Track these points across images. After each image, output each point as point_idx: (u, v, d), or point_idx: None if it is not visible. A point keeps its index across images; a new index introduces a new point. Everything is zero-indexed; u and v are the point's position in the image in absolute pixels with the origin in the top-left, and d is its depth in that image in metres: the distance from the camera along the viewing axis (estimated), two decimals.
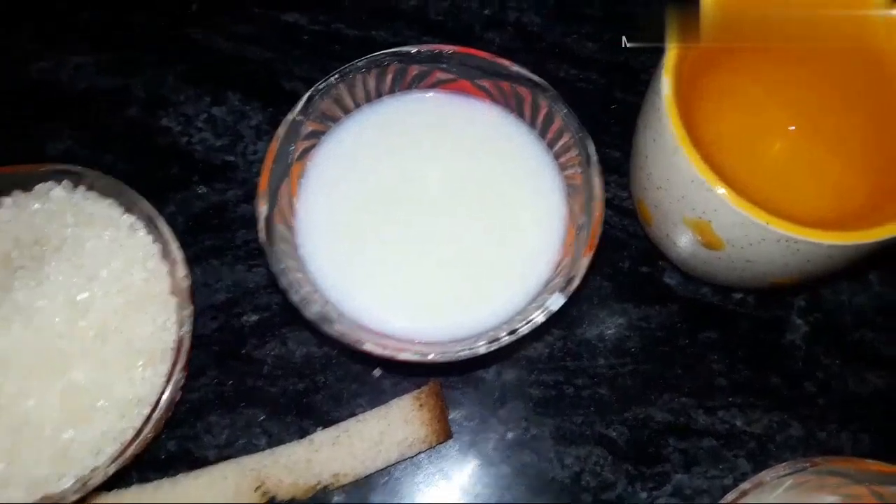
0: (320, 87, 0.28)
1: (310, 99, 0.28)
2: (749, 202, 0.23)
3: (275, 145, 0.27)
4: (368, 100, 0.30)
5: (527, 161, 0.29)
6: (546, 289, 0.26)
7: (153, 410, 0.25)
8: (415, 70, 0.29)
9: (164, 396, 0.26)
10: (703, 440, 0.28)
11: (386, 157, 0.29)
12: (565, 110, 0.27)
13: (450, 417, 0.28)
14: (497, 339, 0.24)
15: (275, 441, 0.28)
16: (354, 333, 0.24)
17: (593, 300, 0.31)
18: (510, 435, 0.29)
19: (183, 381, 0.27)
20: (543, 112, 0.28)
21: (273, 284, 0.25)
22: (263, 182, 0.26)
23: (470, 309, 0.26)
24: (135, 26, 0.37)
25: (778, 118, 0.31)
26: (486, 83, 0.29)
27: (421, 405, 0.27)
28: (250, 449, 0.28)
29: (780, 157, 0.32)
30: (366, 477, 0.27)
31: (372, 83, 0.29)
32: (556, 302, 0.24)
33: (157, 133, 0.34)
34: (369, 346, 0.24)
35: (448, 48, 0.28)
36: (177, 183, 0.33)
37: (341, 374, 0.29)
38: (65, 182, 0.29)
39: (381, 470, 0.27)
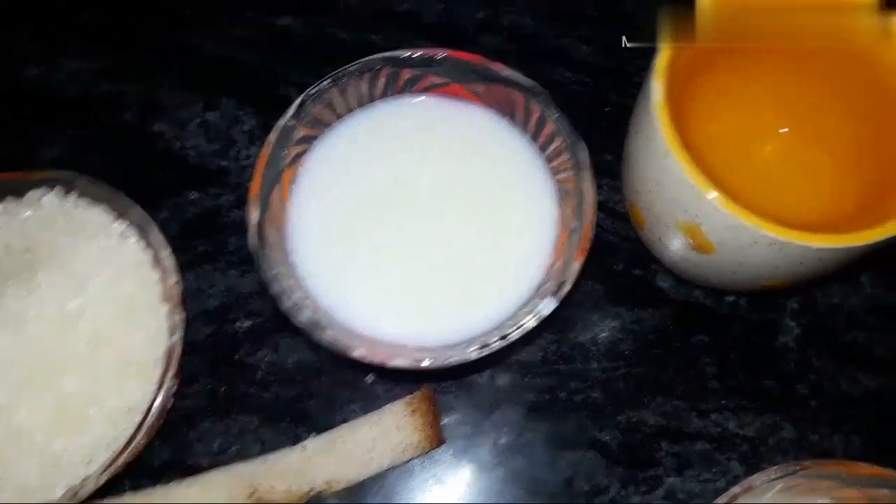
0: (312, 92, 0.28)
1: (301, 104, 0.28)
2: (739, 205, 0.23)
3: (266, 151, 0.27)
4: (361, 104, 0.30)
5: (519, 165, 0.29)
6: (538, 293, 0.26)
7: (145, 418, 0.25)
8: (407, 74, 0.29)
9: (156, 404, 0.26)
10: (696, 443, 0.28)
11: (378, 162, 0.29)
12: (557, 114, 0.27)
13: (443, 423, 0.28)
14: (488, 345, 0.24)
15: (268, 447, 0.28)
16: (346, 339, 0.24)
17: (586, 304, 0.31)
18: (503, 440, 0.29)
19: (175, 388, 0.27)
20: (536, 116, 0.28)
21: (266, 290, 0.25)
22: (255, 188, 0.26)
23: (462, 313, 0.26)
24: (128, 31, 0.37)
25: (771, 120, 0.31)
26: (478, 87, 0.29)
27: (413, 411, 0.27)
28: (244, 455, 0.28)
29: (774, 159, 0.32)
30: (359, 483, 0.27)
31: (364, 88, 0.29)
32: (548, 306, 0.24)
33: (151, 138, 0.34)
34: (359, 353, 0.24)
35: (440, 52, 0.28)
36: (170, 188, 0.33)
37: (334, 380, 0.29)
38: (57, 189, 0.29)
39: (375, 476, 0.27)
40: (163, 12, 0.37)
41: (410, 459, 0.27)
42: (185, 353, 0.28)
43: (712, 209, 0.23)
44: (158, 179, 0.33)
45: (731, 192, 0.23)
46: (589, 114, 0.34)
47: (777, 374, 0.30)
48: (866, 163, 0.28)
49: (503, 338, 0.24)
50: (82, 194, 0.29)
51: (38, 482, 0.25)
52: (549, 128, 0.28)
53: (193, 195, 0.33)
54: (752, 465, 0.28)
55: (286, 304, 0.24)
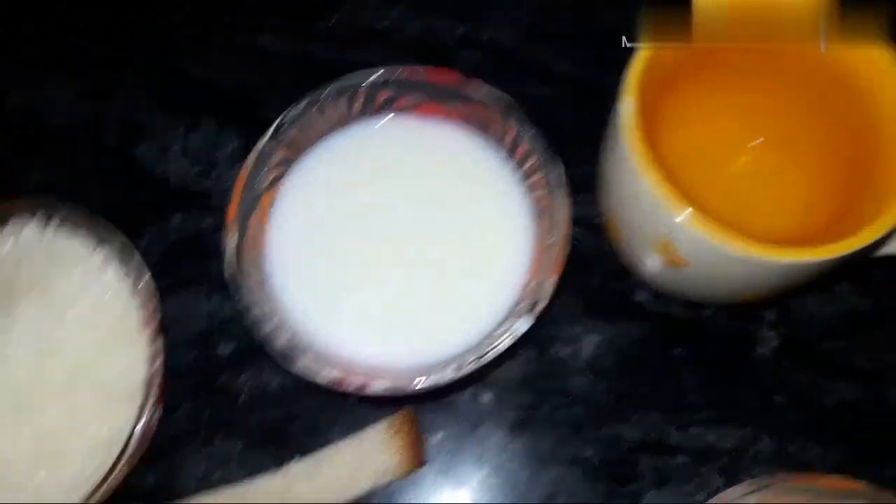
0: (289, 114, 0.28)
1: (279, 126, 0.28)
2: (710, 221, 0.23)
3: (244, 174, 0.27)
4: (339, 125, 0.30)
5: (496, 183, 0.29)
6: (514, 312, 0.26)
7: (125, 448, 0.25)
8: (385, 94, 0.29)
9: (137, 433, 0.26)
10: (676, 456, 0.29)
11: (356, 183, 0.29)
12: (533, 131, 0.27)
13: (425, 443, 0.29)
14: (464, 366, 0.24)
15: (252, 472, 0.28)
16: (322, 365, 0.24)
17: (566, 319, 0.31)
18: (485, 458, 0.29)
19: (158, 415, 0.27)
20: (512, 133, 0.28)
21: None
22: (231, 213, 0.26)
23: (440, 334, 0.26)
24: (110, 54, 0.37)
25: (745, 131, 0.32)
26: (456, 105, 0.29)
27: (395, 432, 0.27)
28: (228, 479, 0.28)
29: (748, 170, 0.32)
30: None
31: (342, 108, 0.29)
32: (523, 325, 0.25)
33: (132, 162, 0.34)
34: (331, 380, 0.24)
35: (417, 71, 0.28)
36: (152, 212, 0.33)
37: (318, 402, 0.29)
38: (38, 217, 0.29)
39: (357, 499, 0.27)
40: (144, 35, 0.37)
41: (393, 480, 0.28)
42: (168, 378, 0.28)
43: (683, 227, 0.23)
44: (140, 203, 0.33)
45: (704, 205, 0.23)
46: (568, 128, 0.34)
47: (755, 385, 0.30)
48: (838, 173, 0.29)
49: (479, 358, 0.24)
50: (63, 221, 0.29)
51: None
52: (526, 145, 0.28)
53: (176, 219, 0.33)
54: (732, 477, 0.28)
55: (262, 331, 0.25)
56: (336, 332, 0.27)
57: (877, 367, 0.30)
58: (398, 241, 0.28)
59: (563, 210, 0.26)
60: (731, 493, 0.22)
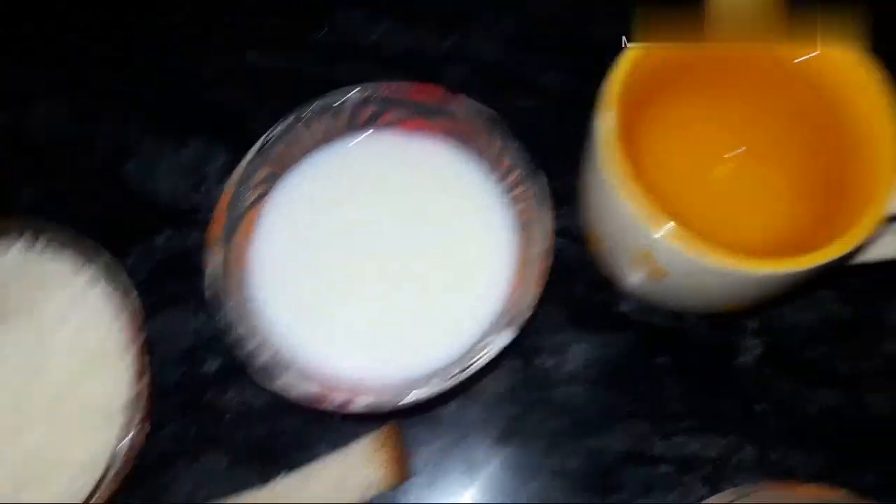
0: (274, 131, 0.28)
1: (264, 143, 0.28)
2: (689, 233, 0.23)
3: (228, 193, 0.27)
4: (325, 140, 0.30)
5: (480, 197, 0.30)
6: (497, 324, 0.26)
7: (110, 467, 0.25)
8: (370, 109, 0.30)
9: (122, 452, 0.26)
10: (660, 466, 0.29)
11: (341, 199, 0.30)
12: (516, 145, 0.28)
13: (410, 456, 0.29)
14: (447, 380, 0.24)
15: (238, 487, 0.28)
16: (301, 384, 0.24)
17: (550, 330, 0.31)
18: (471, 470, 0.29)
19: (144, 433, 0.27)
20: (496, 147, 0.29)
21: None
22: (215, 232, 0.26)
23: (424, 348, 0.27)
24: (108, 53, 0.37)
25: (727, 139, 0.32)
26: (441, 120, 0.30)
27: (380, 446, 0.27)
28: (215, 496, 0.28)
29: (730, 179, 0.32)
30: None
31: (327, 124, 0.30)
32: (505, 338, 0.25)
33: (120, 179, 0.34)
34: (311, 396, 0.24)
35: (402, 87, 0.29)
36: (139, 229, 0.33)
37: (304, 418, 0.29)
38: (24, 238, 0.29)
39: None
40: (144, 35, 0.37)
41: (378, 494, 0.28)
42: (154, 396, 0.28)
43: (662, 241, 0.23)
44: (127, 221, 0.34)
45: (685, 214, 0.23)
46: (552, 139, 0.35)
47: (738, 393, 0.30)
48: (818, 180, 0.29)
49: (463, 371, 0.24)
50: (50, 241, 0.29)
51: None
52: (509, 158, 0.28)
53: (162, 236, 0.33)
54: (715, 485, 0.28)
55: (244, 350, 0.25)
56: (320, 347, 0.27)
57: (858, 374, 0.31)
58: (382, 256, 0.28)
59: (545, 222, 0.27)
60: (714, 501, 0.23)
